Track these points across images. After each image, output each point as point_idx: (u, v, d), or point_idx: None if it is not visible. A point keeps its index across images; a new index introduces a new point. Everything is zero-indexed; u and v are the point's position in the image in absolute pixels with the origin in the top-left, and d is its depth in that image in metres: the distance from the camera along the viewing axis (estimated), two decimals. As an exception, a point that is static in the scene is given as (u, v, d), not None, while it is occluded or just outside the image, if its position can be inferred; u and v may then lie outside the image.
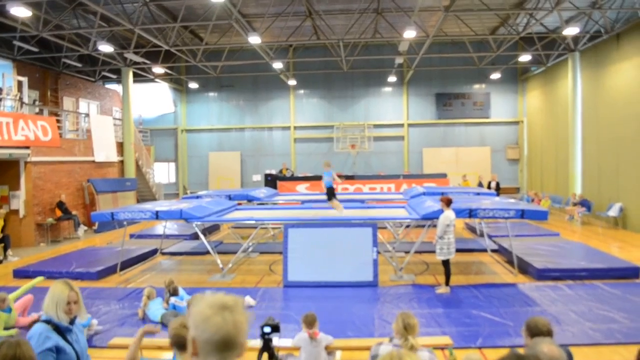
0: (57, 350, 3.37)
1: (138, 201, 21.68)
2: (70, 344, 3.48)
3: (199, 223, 11.44)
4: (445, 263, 9.40)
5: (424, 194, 14.43)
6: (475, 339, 6.88)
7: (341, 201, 15.81)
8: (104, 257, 12.56)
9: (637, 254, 12.51)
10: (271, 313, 7.89)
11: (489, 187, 21.34)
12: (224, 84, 28.67)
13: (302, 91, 28.47)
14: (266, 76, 27.45)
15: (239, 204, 15.05)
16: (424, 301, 8.75)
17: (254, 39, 17.52)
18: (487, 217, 10.50)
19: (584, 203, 18.03)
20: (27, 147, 15.73)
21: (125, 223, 11.94)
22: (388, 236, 14.75)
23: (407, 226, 14.43)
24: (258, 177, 27.71)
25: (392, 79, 26.82)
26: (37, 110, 19.52)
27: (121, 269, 11.60)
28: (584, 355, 6.29)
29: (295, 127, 28.35)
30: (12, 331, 7.25)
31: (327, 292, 9.39)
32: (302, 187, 21.23)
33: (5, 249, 13.65)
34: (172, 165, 29.58)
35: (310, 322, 5.74)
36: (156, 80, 26.60)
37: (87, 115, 21.21)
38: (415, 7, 16.33)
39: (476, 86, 27.50)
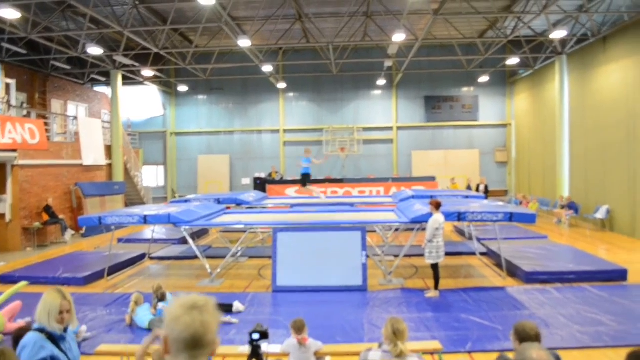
0: (52, 359, 3.32)
1: (126, 205, 21.55)
2: (65, 352, 3.43)
3: (187, 227, 11.38)
4: (435, 267, 9.41)
5: (413, 197, 14.47)
6: (465, 344, 6.89)
7: (330, 205, 15.90)
8: (91, 262, 12.47)
9: (625, 256, 12.62)
10: (260, 318, 7.90)
11: (477, 190, 21.46)
12: (214, 87, 28.59)
13: (291, 94, 28.45)
14: (256, 79, 27.42)
15: (228, 208, 14.99)
16: (413, 305, 8.75)
17: (244, 42, 17.49)
18: (475, 220, 10.52)
19: (572, 206, 18.16)
20: (14, 150, 15.58)
21: (113, 227, 11.87)
22: (377, 240, 14.79)
23: (397, 229, 14.45)
24: (247, 181, 27.64)
25: (381, 82, 26.89)
26: (24, 112, 19.36)
27: (109, 274, 11.50)
28: (573, 359, 6.33)
29: (284, 130, 28.33)
30: (-3, 338, 7.17)
31: (316, 296, 9.37)
32: (291, 190, 21.20)
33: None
34: (161, 168, 29.43)
35: (299, 328, 5.72)
36: (145, 83, 26.46)
37: (76, 118, 21.07)
38: (404, 11, 16.38)
39: (465, 89, 27.62)
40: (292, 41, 22.67)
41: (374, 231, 14.57)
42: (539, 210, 19.90)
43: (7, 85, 19.21)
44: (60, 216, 17.33)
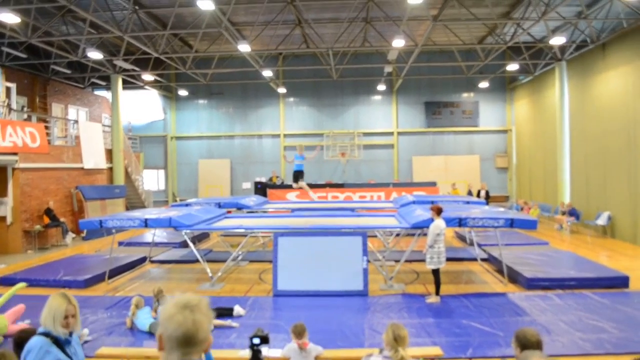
0: None
1: (127, 208, 21.55)
2: (70, 357, 3.42)
3: (188, 231, 11.38)
4: (435, 272, 9.40)
5: (413, 202, 14.47)
6: (466, 350, 6.88)
7: (331, 209, 15.90)
8: (92, 265, 12.45)
9: (626, 262, 12.61)
10: (261, 323, 7.89)
11: (478, 195, 21.46)
12: (214, 92, 28.63)
13: (291, 99, 28.49)
14: (256, 84, 27.46)
15: (229, 212, 14.99)
16: (414, 311, 8.74)
17: (244, 47, 17.53)
18: (476, 226, 10.51)
19: (573, 212, 18.14)
20: (15, 154, 15.58)
21: (113, 231, 11.86)
22: (378, 245, 14.76)
23: (397, 235, 14.43)
24: (248, 185, 27.65)
25: (381, 87, 26.94)
26: (25, 116, 19.37)
27: (109, 277, 11.49)
28: (574, 365, 6.32)
29: (285, 135, 28.35)
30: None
31: (317, 301, 9.36)
32: (292, 195, 21.20)
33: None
34: (162, 172, 29.43)
35: (299, 333, 5.71)
36: (146, 87, 26.52)
37: (76, 121, 21.08)
38: (404, 17, 16.43)
39: (465, 95, 27.67)
40: (292, 46, 22.72)
41: (375, 236, 14.55)
42: (540, 216, 19.90)
43: (8, 89, 19.23)
44: (61, 219, 17.32)
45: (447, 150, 27.66)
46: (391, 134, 27.89)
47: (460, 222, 10.23)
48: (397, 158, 27.87)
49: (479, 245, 13.90)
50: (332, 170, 27.92)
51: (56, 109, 22.77)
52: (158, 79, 25.96)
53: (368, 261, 10.07)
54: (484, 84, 26.01)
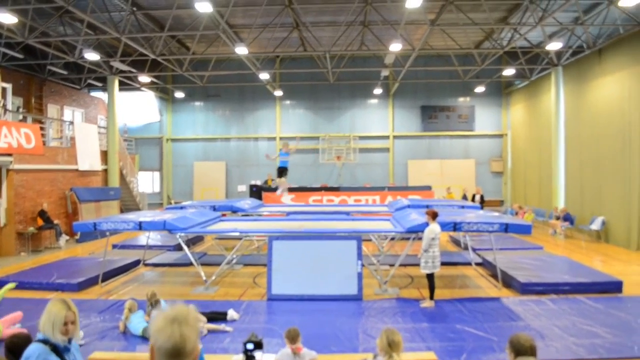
0: None
1: (122, 211, 21.49)
2: None
3: (182, 234, 11.35)
4: (430, 277, 9.40)
5: (408, 206, 14.47)
6: (460, 354, 6.87)
7: (326, 213, 15.90)
8: (85, 268, 12.40)
9: (620, 267, 12.63)
10: (254, 327, 7.86)
11: (473, 199, 21.50)
12: (210, 94, 28.61)
13: (288, 102, 28.50)
14: (253, 86, 27.46)
15: (224, 215, 14.96)
16: (408, 315, 8.73)
17: (241, 50, 17.52)
18: (471, 231, 10.52)
19: (567, 217, 18.18)
20: (10, 155, 15.52)
21: (107, 233, 11.80)
22: (372, 249, 14.77)
23: (392, 239, 14.43)
24: (243, 188, 27.58)
25: (377, 91, 26.97)
26: (20, 117, 19.33)
27: (103, 281, 11.45)
28: (567, 371, 6.32)
29: (281, 138, 28.28)
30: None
31: (311, 305, 9.34)
32: (287, 198, 21.19)
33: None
34: (157, 174, 29.36)
35: (293, 338, 5.69)
36: (142, 89, 26.46)
37: (72, 123, 21.03)
38: (401, 21, 16.47)
39: (461, 99, 27.73)
40: (289, 49, 22.73)
41: (370, 240, 14.55)
42: (534, 221, 19.95)
43: (4, 90, 19.17)
44: (55, 221, 17.25)
45: (442, 154, 27.70)
46: (387, 137, 27.91)
47: (455, 226, 10.23)
48: (392, 162, 27.89)
49: (474, 250, 13.92)
50: (328, 173, 27.92)
51: (52, 110, 22.71)
52: (154, 80, 25.91)
53: (362, 265, 10.06)
54: (480, 89, 26.10)
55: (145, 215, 12.19)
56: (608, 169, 16.91)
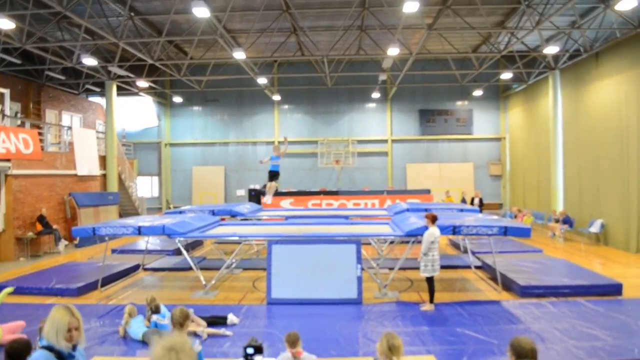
0: None
1: (120, 215, 21.47)
2: None
3: (181, 239, 11.33)
4: (430, 280, 9.40)
5: (407, 210, 14.48)
6: (460, 358, 6.86)
7: (325, 217, 15.89)
8: (84, 273, 12.38)
9: (619, 270, 12.65)
10: (254, 331, 7.85)
11: (472, 203, 21.51)
12: (209, 99, 28.62)
13: (286, 106, 28.52)
14: (251, 91, 27.48)
15: (223, 219, 14.96)
16: (408, 319, 8.72)
17: (239, 55, 17.55)
18: (470, 234, 10.52)
19: (567, 220, 18.18)
20: (8, 160, 15.52)
21: (106, 238, 11.78)
22: (372, 252, 14.75)
23: (391, 242, 14.43)
24: (242, 192, 27.57)
25: (375, 95, 27.00)
26: (19, 122, 19.31)
27: (102, 285, 11.43)
28: (568, 374, 6.32)
29: (279, 142, 28.32)
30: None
31: (310, 309, 9.33)
32: (286, 202, 21.21)
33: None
34: (155, 179, 29.33)
35: (293, 342, 5.69)
36: (140, 93, 26.47)
37: (70, 128, 21.04)
38: (398, 25, 16.51)
39: (459, 103, 27.78)
40: (287, 54, 22.77)
41: (369, 243, 14.56)
42: (533, 224, 19.96)
43: (1, 95, 19.16)
44: (54, 226, 17.23)
45: (441, 158, 27.72)
46: (385, 141, 27.94)
47: (454, 229, 10.24)
48: (391, 165, 27.91)
49: (473, 253, 13.92)
50: (327, 177, 27.93)
51: (50, 115, 22.72)
52: (153, 85, 25.94)
53: (362, 269, 10.06)
54: (478, 92, 26.16)
55: (144, 220, 12.17)
56: (606, 171, 16.94)
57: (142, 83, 23.90)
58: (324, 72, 22.27)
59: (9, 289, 8.20)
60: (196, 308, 8.31)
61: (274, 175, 13.05)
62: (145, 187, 28.56)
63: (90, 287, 11.31)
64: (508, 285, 10.84)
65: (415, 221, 10.80)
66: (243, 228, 13.45)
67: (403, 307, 9.50)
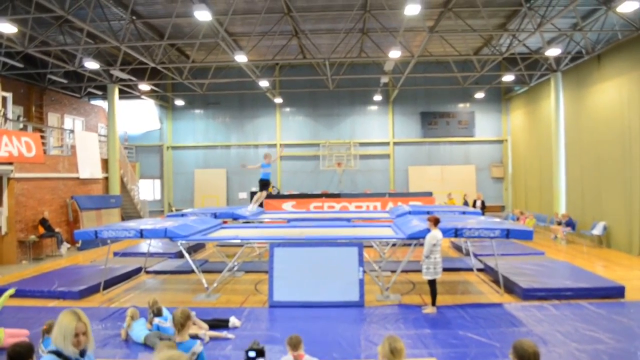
0: None
1: (123, 218, 21.49)
2: None
3: (183, 242, 11.33)
4: (432, 283, 9.39)
5: (409, 212, 14.46)
6: (462, 361, 6.86)
7: (327, 220, 15.88)
8: (86, 276, 12.38)
9: (622, 273, 12.62)
10: (256, 334, 7.85)
11: (474, 205, 21.48)
12: (210, 102, 28.67)
13: (288, 109, 28.55)
14: (252, 94, 27.53)
15: (225, 222, 14.95)
16: (411, 322, 8.70)
17: (241, 58, 17.57)
18: (472, 237, 10.50)
19: (570, 222, 18.14)
20: (11, 163, 15.54)
21: (109, 241, 11.80)
22: (374, 255, 14.75)
23: (394, 245, 14.41)
24: (244, 195, 27.58)
25: (377, 97, 27.02)
26: (21, 126, 19.36)
27: (104, 288, 11.44)
28: (570, 377, 6.30)
29: (281, 145, 28.36)
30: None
31: (312, 312, 9.32)
32: (288, 205, 21.20)
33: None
34: (158, 182, 29.38)
35: (295, 345, 5.69)
36: (142, 97, 26.52)
37: (72, 131, 21.08)
38: (400, 28, 16.53)
39: (461, 105, 27.78)
40: (289, 57, 22.80)
41: (371, 246, 14.54)
42: (535, 226, 19.90)
43: (4, 99, 19.21)
44: (56, 229, 17.26)
45: (443, 160, 27.72)
46: (387, 144, 27.95)
47: (457, 232, 10.22)
48: (393, 168, 27.91)
49: (475, 256, 13.90)
50: (329, 180, 27.95)
51: (52, 118, 22.76)
52: (154, 88, 25.99)
53: (364, 272, 10.05)
54: (479, 95, 26.18)
55: (147, 223, 12.18)
56: (609, 173, 16.91)
57: (144, 86, 23.96)
58: (326, 75, 22.28)
59: (11, 291, 8.21)
60: (198, 311, 8.31)
61: (265, 184, 12.88)
62: (147, 190, 28.59)
63: (93, 290, 11.30)
64: (510, 287, 10.81)
65: (417, 224, 10.79)
66: (245, 231, 13.45)
67: (405, 310, 9.48)
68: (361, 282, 9.91)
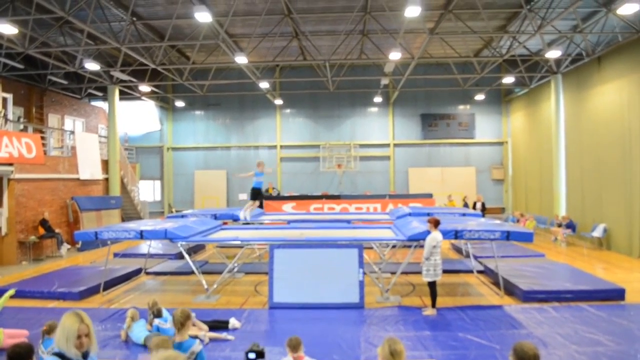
0: None
1: (123, 219, 21.49)
2: None
3: (183, 243, 11.33)
4: (432, 284, 9.38)
5: (409, 214, 14.46)
6: (462, 363, 6.85)
7: (327, 221, 15.89)
8: (86, 277, 12.38)
9: (622, 275, 12.61)
10: (256, 336, 7.84)
11: (474, 207, 21.47)
12: (211, 103, 28.68)
13: (288, 110, 28.56)
14: (253, 95, 27.54)
15: (225, 223, 14.95)
16: (410, 323, 8.70)
17: (241, 59, 17.58)
18: (473, 239, 10.50)
19: (570, 224, 18.14)
20: (11, 164, 15.54)
21: (109, 242, 11.80)
22: (374, 256, 14.75)
23: (394, 246, 14.42)
24: (244, 196, 27.52)
25: (377, 99, 27.03)
26: (21, 127, 19.36)
27: (104, 289, 11.44)
28: (571, 379, 6.29)
29: (281, 146, 28.37)
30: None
31: (312, 313, 9.32)
32: (288, 206, 21.20)
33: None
34: (158, 183, 29.38)
35: (294, 346, 5.69)
36: (142, 98, 26.53)
37: (72, 132, 21.08)
38: (400, 30, 16.53)
39: (461, 107, 27.79)
40: (289, 58, 22.81)
41: (371, 248, 14.54)
42: (536, 228, 19.90)
43: (4, 100, 19.22)
44: (57, 230, 17.25)
45: (443, 162, 27.72)
46: (387, 145, 27.95)
47: (457, 234, 10.22)
48: (393, 170, 27.91)
49: (475, 257, 13.90)
50: (329, 181, 27.94)
51: (52, 119, 22.77)
52: (155, 90, 26.01)
53: (364, 273, 10.05)
54: (480, 97, 26.18)
55: (147, 224, 12.19)
56: (609, 176, 16.92)
57: (145, 87, 23.97)
58: (326, 77, 22.30)
59: (11, 292, 8.20)
60: (198, 312, 8.31)
61: (257, 193, 12.80)
62: (147, 191, 28.58)
63: (93, 290, 11.30)
64: (510, 289, 10.81)
65: (418, 225, 10.79)
66: (245, 232, 13.45)
67: (405, 312, 9.47)
68: (361, 284, 9.91)
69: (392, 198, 21.96)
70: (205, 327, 8.00)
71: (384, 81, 23.51)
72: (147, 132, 29.39)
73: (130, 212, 23.30)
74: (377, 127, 28.11)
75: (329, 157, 27.44)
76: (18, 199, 16.03)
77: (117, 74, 20.45)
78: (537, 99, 23.48)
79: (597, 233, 16.96)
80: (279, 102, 27.31)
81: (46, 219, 16.88)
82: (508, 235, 10.19)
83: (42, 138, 18.05)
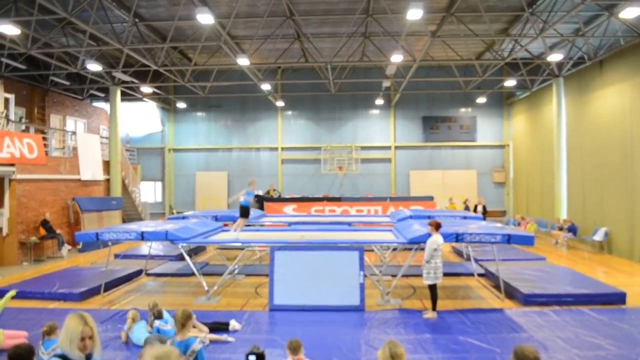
0: None
1: (124, 220, 21.49)
2: None
3: (184, 244, 11.33)
4: (432, 287, 9.37)
5: (410, 217, 14.45)
6: (463, 366, 6.84)
7: (328, 224, 15.87)
8: (87, 278, 12.39)
9: (623, 279, 12.59)
10: (256, 338, 7.85)
11: (475, 210, 21.44)
12: (212, 104, 28.70)
13: (289, 112, 28.57)
14: (254, 97, 27.54)
15: (226, 225, 14.94)
16: (411, 326, 8.69)
17: (243, 61, 17.59)
18: (474, 242, 10.49)
19: (572, 228, 18.12)
20: (12, 165, 15.56)
21: (110, 243, 11.80)
22: (375, 259, 14.74)
23: (394, 249, 14.40)
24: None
25: (379, 101, 27.05)
26: (23, 127, 19.38)
27: (105, 290, 11.44)
28: (571, 383, 6.28)
29: (282, 148, 28.39)
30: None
31: (313, 316, 9.31)
32: (289, 208, 21.20)
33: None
34: (159, 184, 29.40)
35: (295, 349, 5.69)
36: (144, 99, 26.55)
37: (74, 133, 21.09)
38: (402, 32, 16.53)
39: (462, 110, 27.79)
40: (291, 60, 22.82)
41: (372, 250, 14.54)
42: (537, 232, 19.89)
43: (6, 100, 19.25)
44: (58, 231, 17.24)
45: (444, 165, 27.71)
46: (389, 148, 27.95)
47: (458, 237, 10.22)
48: (394, 172, 27.91)
49: (476, 261, 13.88)
50: (330, 183, 27.94)
51: (54, 120, 22.80)
52: (156, 91, 26.04)
53: (365, 276, 10.04)
54: (481, 99, 26.17)
55: (148, 225, 12.20)
56: (610, 179, 16.90)
57: (146, 88, 24.00)
58: (328, 79, 22.31)
59: (12, 293, 8.20)
60: (198, 314, 8.30)
61: (246, 210, 12.89)
62: (148, 192, 28.59)
63: (93, 292, 11.31)
64: (511, 293, 10.80)
65: (418, 228, 10.79)
66: (246, 234, 13.42)
67: (405, 315, 9.47)
68: (362, 287, 9.90)
69: (393, 200, 21.95)
70: (206, 328, 8.00)
71: (386, 83, 23.52)
72: (149, 133, 29.42)
73: (131, 213, 23.30)
74: (378, 129, 28.11)
75: (330, 159, 27.44)
76: (19, 199, 16.04)
77: (119, 75, 20.47)
78: (538, 102, 23.47)
79: (598, 237, 16.93)
80: (280, 104, 27.33)
81: (47, 220, 16.88)
82: (509, 239, 10.19)
83: (44, 139, 18.07)
